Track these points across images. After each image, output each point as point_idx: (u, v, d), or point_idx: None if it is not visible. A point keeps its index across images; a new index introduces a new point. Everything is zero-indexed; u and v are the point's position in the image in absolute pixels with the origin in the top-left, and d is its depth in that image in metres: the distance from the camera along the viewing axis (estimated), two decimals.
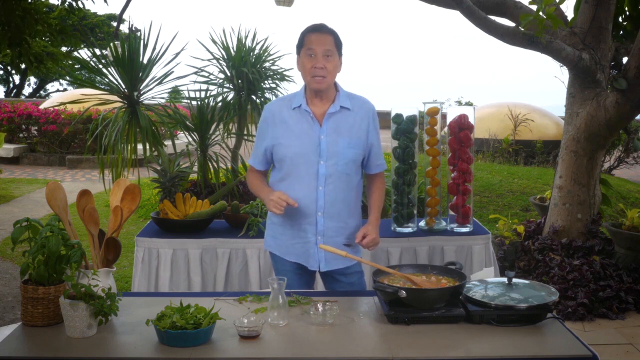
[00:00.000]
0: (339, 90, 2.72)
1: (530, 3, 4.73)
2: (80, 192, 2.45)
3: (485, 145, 11.44)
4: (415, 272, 2.48)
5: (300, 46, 2.67)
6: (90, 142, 5.61)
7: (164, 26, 5.29)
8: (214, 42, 5.53)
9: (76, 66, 12.65)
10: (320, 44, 2.61)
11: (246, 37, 5.56)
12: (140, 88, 5.08)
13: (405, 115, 3.64)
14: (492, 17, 4.62)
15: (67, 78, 22.87)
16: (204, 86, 5.42)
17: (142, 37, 4.99)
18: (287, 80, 5.72)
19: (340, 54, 2.68)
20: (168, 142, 9.37)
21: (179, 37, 5.58)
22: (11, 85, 27.16)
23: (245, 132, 5.66)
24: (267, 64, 5.64)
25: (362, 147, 2.72)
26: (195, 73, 5.45)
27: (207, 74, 5.52)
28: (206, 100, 5.23)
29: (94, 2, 8.75)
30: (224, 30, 5.54)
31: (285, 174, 2.71)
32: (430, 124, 3.76)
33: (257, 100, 5.56)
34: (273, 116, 2.73)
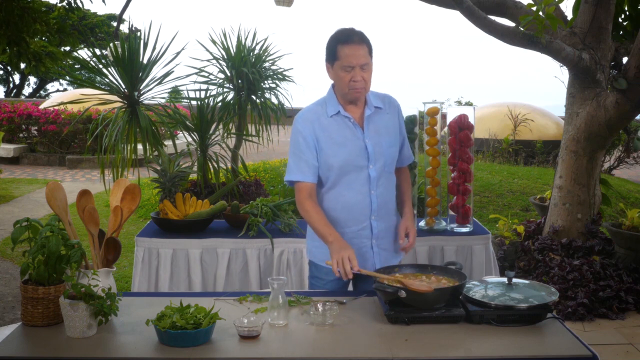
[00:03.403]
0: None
1: (529, 5, 4.73)
2: (80, 192, 2.45)
3: (485, 145, 11.44)
4: (415, 272, 2.48)
5: (334, 58, 2.55)
6: (90, 142, 5.61)
7: (164, 26, 5.29)
8: (214, 42, 5.53)
9: (76, 66, 12.65)
10: (356, 59, 2.50)
11: (246, 37, 5.56)
12: (140, 88, 5.08)
13: (405, 115, 3.64)
14: (492, 17, 4.62)
15: (67, 78, 22.89)
16: (204, 86, 5.43)
17: (142, 37, 4.99)
18: (287, 80, 5.72)
19: (372, 57, 2.59)
20: (168, 142, 9.38)
21: (179, 37, 5.60)
22: (11, 85, 27.16)
23: (245, 132, 5.66)
24: (267, 64, 5.64)
25: (399, 144, 2.73)
26: (196, 74, 5.45)
27: (207, 74, 5.52)
28: (206, 100, 5.23)
29: (92, 1, 8.76)
30: (223, 31, 5.54)
31: (333, 183, 2.64)
32: (430, 124, 3.76)
33: (257, 100, 5.56)
34: (312, 124, 2.61)
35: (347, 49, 2.51)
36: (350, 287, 2.88)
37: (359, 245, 2.67)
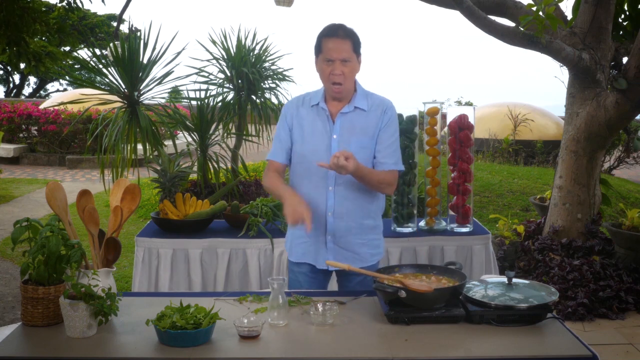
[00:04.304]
0: (357, 90, 2.69)
1: (529, 5, 4.73)
2: (80, 192, 2.45)
3: (485, 145, 11.44)
4: (415, 272, 2.48)
5: (319, 51, 2.62)
6: (90, 142, 5.62)
7: (164, 26, 5.29)
8: (214, 42, 5.53)
9: (76, 66, 12.66)
10: (338, 52, 2.56)
11: (246, 37, 5.56)
12: (140, 88, 5.08)
13: (405, 115, 3.64)
14: (492, 17, 4.62)
15: (67, 78, 22.89)
16: (204, 86, 5.43)
17: (142, 37, 5.00)
18: (287, 80, 5.72)
19: (359, 54, 2.63)
20: (168, 142, 9.38)
21: (179, 37, 5.59)
22: (11, 85, 27.16)
23: (245, 132, 5.66)
24: (267, 64, 5.64)
25: (372, 147, 2.68)
26: (196, 74, 5.45)
27: (207, 74, 5.52)
28: (206, 100, 5.23)
29: (91, 1, 8.76)
30: (223, 31, 5.54)
31: (298, 172, 2.71)
32: (430, 124, 3.76)
33: (257, 100, 5.56)
34: (290, 112, 2.73)
35: (330, 43, 2.58)
36: (332, 286, 2.88)
37: (313, 239, 2.71)
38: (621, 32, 5.44)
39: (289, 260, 2.86)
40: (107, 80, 5.05)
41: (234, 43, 5.54)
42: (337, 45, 2.56)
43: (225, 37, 5.53)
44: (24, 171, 11.59)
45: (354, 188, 2.66)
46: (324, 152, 2.63)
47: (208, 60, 5.54)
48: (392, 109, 2.72)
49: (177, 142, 5.85)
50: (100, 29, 21.79)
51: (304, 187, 2.68)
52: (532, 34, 4.41)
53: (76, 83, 8.03)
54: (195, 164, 5.20)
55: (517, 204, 7.49)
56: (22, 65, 7.30)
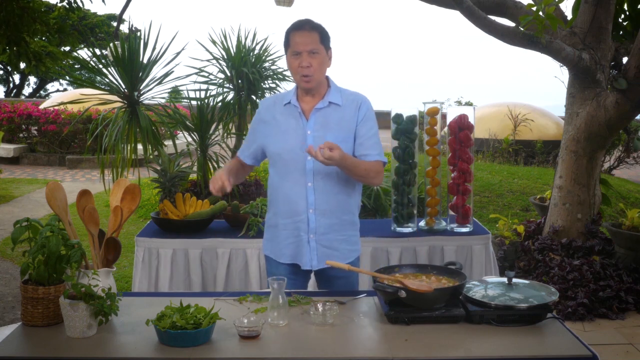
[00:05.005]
0: (331, 85, 2.69)
1: (529, 5, 4.73)
2: (80, 192, 2.45)
3: (485, 145, 11.44)
4: (415, 272, 2.48)
5: (287, 45, 2.65)
6: (90, 142, 5.62)
7: (164, 26, 5.30)
8: (214, 42, 5.53)
9: (76, 66, 12.65)
10: (305, 44, 2.58)
11: (246, 37, 5.56)
12: (140, 88, 5.08)
13: (405, 115, 3.64)
14: (492, 17, 4.62)
15: (67, 78, 22.89)
16: (204, 86, 5.43)
17: (142, 37, 5.00)
18: (287, 80, 5.72)
19: (327, 48, 2.64)
20: (168, 142, 9.38)
21: (179, 37, 5.58)
22: (11, 85, 27.15)
23: (245, 132, 5.66)
24: (267, 64, 5.64)
25: (351, 140, 2.66)
26: (196, 74, 5.45)
27: (207, 74, 5.52)
28: (206, 100, 5.24)
29: (92, 1, 8.76)
30: (223, 31, 5.54)
31: (277, 171, 2.70)
32: (430, 124, 3.76)
33: (257, 100, 5.56)
34: (264, 113, 2.75)
35: (297, 36, 2.61)
36: (311, 287, 2.88)
37: (297, 239, 2.69)
38: (621, 32, 5.44)
39: (272, 263, 2.80)
40: (107, 80, 5.05)
41: (234, 43, 5.54)
42: (304, 38, 2.59)
43: (225, 37, 5.53)
44: (24, 171, 11.59)
45: (333, 183, 2.65)
46: (299, 149, 2.62)
47: (208, 60, 5.54)
48: (367, 103, 2.71)
49: (177, 142, 5.85)
50: (100, 29, 21.78)
51: (284, 186, 2.68)
52: (532, 34, 4.41)
53: (76, 83, 8.05)
54: (195, 164, 5.20)
55: (517, 204, 7.49)
56: (22, 65, 7.30)
